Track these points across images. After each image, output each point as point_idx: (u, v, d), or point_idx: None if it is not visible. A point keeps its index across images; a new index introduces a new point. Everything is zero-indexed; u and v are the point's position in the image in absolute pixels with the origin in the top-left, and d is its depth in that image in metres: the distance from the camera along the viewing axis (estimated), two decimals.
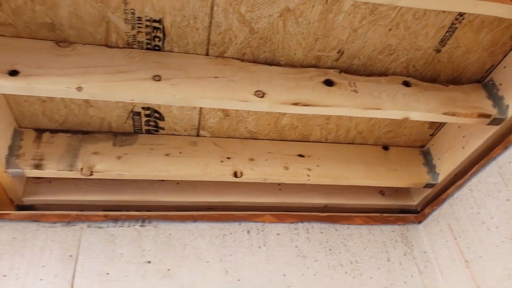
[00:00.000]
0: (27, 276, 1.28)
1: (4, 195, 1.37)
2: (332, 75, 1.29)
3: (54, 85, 1.02)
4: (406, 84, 1.33)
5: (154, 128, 1.47)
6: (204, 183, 1.61)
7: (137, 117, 1.41)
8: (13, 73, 1.01)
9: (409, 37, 1.24)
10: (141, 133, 1.48)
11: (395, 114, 1.27)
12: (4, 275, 1.27)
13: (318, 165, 1.57)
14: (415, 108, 1.27)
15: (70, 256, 1.35)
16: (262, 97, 1.17)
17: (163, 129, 1.48)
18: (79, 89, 1.03)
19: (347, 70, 1.31)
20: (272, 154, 1.56)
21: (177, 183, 1.60)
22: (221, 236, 1.52)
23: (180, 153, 1.48)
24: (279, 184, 1.67)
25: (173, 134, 1.51)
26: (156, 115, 1.42)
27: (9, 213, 1.37)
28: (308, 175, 1.54)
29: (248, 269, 1.47)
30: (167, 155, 1.46)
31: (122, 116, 1.40)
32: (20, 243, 1.33)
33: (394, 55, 1.30)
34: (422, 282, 1.57)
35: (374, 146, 1.69)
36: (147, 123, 1.45)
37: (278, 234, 1.57)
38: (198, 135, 1.54)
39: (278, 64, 1.26)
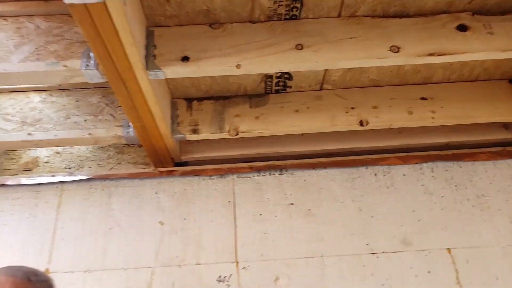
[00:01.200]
0: (201, 219, 1.58)
1: (168, 155, 1.65)
2: (465, 19, 1.28)
3: (218, 65, 1.19)
4: None
5: (283, 88, 1.61)
6: (328, 132, 1.75)
7: (269, 79, 1.56)
8: (185, 59, 1.19)
9: None
10: (271, 93, 1.64)
11: None
12: (184, 218, 1.59)
13: (442, 107, 1.60)
14: None
15: (229, 201, 1.62)
16: (397, 51, 1.23)
17: (290, 87, 1.62)
18: (238, 66, 1.19)
19: (480, 12, 1.29)
20: (395, 100, 1.62)
21: (302, 135, 1.77)
22: (350, 179, 1.68)
23: (308, 108, 1.62)
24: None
25: (298, 91, 1.64)
26: (286, 75, 1.55)
27: (177, 170, 1.66)
28: (433, 118, 1.59)
29: (379, 207, 1.63)
30: (296, 111, 1.61)
31: (256, 80, 1.55)
32: (190, 193, 1.63)
33: None
34: None
35: (500, 81, 1.65)
36: (277, 84, 1.59)
37: (404, 175, 1.69)
38: (321, 89, 1.65)
39: (408, 16, 1.29)
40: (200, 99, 1.62)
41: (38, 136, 1.46)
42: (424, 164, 1.71)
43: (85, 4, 0.91)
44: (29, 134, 1.46)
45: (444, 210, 1.62)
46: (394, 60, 1.23)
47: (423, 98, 1.63)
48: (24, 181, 1.63)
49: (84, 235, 1.56)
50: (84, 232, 1.56)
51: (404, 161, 1.70)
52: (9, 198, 1.62)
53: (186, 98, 1.62)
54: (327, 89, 1.65)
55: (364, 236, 1.58)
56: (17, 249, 1.53)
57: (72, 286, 1.47)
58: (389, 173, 1.69)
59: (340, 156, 1.76)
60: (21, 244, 1.54)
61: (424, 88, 1.64)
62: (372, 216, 1.61)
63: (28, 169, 1.76)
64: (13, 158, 1.78)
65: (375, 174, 1.69)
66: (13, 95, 1.53)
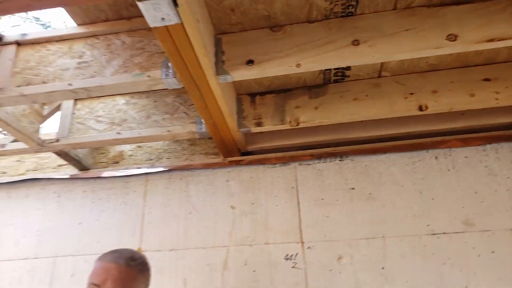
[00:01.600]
0: (267, 203, 1.74)
1: (235, 146, 1.81)
2: None
3: (280, 66, 1.30)
4: None
5: (341, 77, 1.68)
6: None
7: (327, 71, 1.64)
8: (250, 62, 1.32)
9: None
10: (330, 83, 1.72)
11: None
12: (252, 203, 1.75)
13: (506, 87, 1.58)
14: None
15: (292, 187, 1.75)
16: (454, 40, 1.25)
17: (348, 76, 1.68)
18: (298, 65, 1.29)
19: None
20: (455, 83, 1.63)
21: (361, 121, 1.83)
22: (411, 163, 1.73)
23: (366, 95, 1.68)
24: None
25: (357, 80, 1.71)
26: (344, 66, 1.62)
27: (244, 159, 1.82)
28: (497, 99, 1.58)
29: (439, 189, 1.67)
30: (355, 99, 1.68)
31: (315, 72, 1.64)
32: (256, 180, 1.79)
33: None
34: None
35: None
36: (335, 74, 1.66)
37: (466, 157, 1.70)
38: (379, 77, 1.69)
39: (466, 2, 1.30)
40: (262, 94, 1.74)
41: (125, 134, 1.68)
42: (488, 146, 1.70)
43: (166, 26, 1.06)
44: (118, 133, 1.69)
45: (509, 191, 1.62)
46: (451, 49, 1.26)
47: (486, 79, 1.61)
48: (116, 173, 1.89)
49: (168, 219, 1.78)
50: (168, 216, 1.79)
51: (466, 143, 1.71)
52: (105, 188, 1.89)
53: (250, 94, 1.75)
54: (385, 76, 1.69)
55: (425, 218, 1.63)
56: (114, 232, 1.79)
57: (160, 263, 1.71)
58: (450, 155, 1.71)
59: (400, 140, 1.80)
60: (117, 227, 1.80)
61: (487, 69, 1.62)
62: (433, 198, 1.66)
63: (115, 161, 2.03)
64: (103, 153, 2.05)
65: (436, 157, 1.72)
66: (102, 99, 1.76)
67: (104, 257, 1.27)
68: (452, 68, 1.64)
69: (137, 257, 1.31)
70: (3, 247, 1.85)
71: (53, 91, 1.35)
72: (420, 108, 1.62)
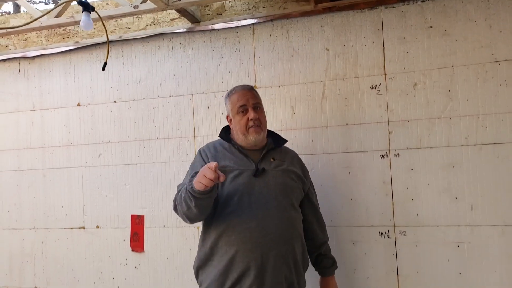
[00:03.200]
0: (357, 44, 2.13)
1: None
2: None
3: None
4: None
5: None
6: None
7: None
8: None
9: None
10: None
11: None
12: (344, 45, 2.15)
13: None
14: None
15: (378, 29, 2.10)
16: None
17: None
18: None
19: None
20: None
21: None
22: (485, 0, 1.96)
23: None
24: None
25: None
26: None
27: (334, 5, 2.13)
28: None
29: (508, 22, 1.94)
30: None
31: None
32: (347, 25, 2.14)
33: None
34: None
35: None
36: None
37: None
38: None
39: None
40: None
41: None
42: None
43: None
44: None
45: None
46: None
47: None
48: (227, 25, 2.29)
49: (274, 62, 2.25)
50: (274, 59, 2.25)
51: None
52: (220, 38, 2.32)
53: None
54: None
55: (491, 48, 1.97)
56: (233, 74, 2.31)
57: (272, 96, 2.26)
58: None
59: None
60: (235, 70, 2.31)
61: None
62: (500, 31, 1.95)
63: (219, 13, 2.39)
64: (207, 6, 2.40)
65: None
66: None
67: (237, 89, 1.77)
68: None
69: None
70: (151, 88, 2.47)
71: None
72: None
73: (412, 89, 2.07)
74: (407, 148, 2.07)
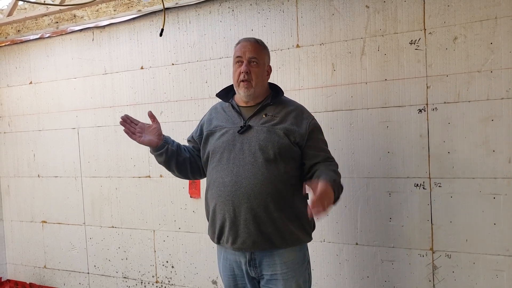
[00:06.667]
0: (396, 1, 2.16)
1: None
2: None
3: None
4: None
5: None
6: None
7: None
8: None
9: None
10: None
11: None
12: (384, 1, 2.20)
13: None
14: None
15: None
16: None
17: None
18: None
19: None
20: None
21: None
22: None
23: None
24: None
25: None
26: None
27: None
28: None
29: None
30: None
31: None
32: None
33: None
34: None
35: None
36: None
37: None
38: None
39: None
40: None
41: None
42: None
43: None
44: None
45: None
46: None
47: None
48: None
49: (316, 21, 2.36)
50: (316, 18, 2.36)
51: None
52: (265, 1, 2.47)
53: None
54: None
55: None
56: (277, 34, 2.47)
57: (313, 54, 2.39)
58: None
59: None
60: (279, 31, 2.46)
61: None
62: None
63: None
64: None
65: None
66: None
67: (241, 40, 1.82)
68: None
69: (260, 40, 1.85)
70: (203, 50, 2.71)
71: None
72: None
73: (452, 43, 2.08)
74: (444, 102, 2.11)
